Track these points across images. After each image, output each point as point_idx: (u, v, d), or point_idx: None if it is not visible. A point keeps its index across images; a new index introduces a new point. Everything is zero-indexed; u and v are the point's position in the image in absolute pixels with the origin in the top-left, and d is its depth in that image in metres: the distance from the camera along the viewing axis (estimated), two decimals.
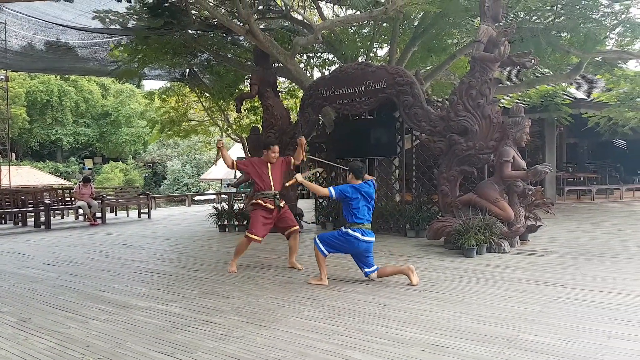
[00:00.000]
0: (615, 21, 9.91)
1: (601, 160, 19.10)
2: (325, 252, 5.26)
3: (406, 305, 4.35)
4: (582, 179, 17.02)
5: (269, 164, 6.28)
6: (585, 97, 14.54)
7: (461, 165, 7.65)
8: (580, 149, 20.38)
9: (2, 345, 3.57)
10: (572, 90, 15.02)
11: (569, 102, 13.93)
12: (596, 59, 11.34)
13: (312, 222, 10.66)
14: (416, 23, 11.65)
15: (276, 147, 6.33)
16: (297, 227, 6.31)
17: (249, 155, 11.38)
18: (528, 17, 9.87)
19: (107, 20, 10.28)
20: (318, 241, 5.29)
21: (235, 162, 6.23)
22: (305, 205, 12.78)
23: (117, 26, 10.77)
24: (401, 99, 8.43)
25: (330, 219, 10.13)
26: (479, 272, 5.70)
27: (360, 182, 5.27)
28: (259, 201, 6.10)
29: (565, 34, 10.52)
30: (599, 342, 3.35)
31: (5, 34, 11.44)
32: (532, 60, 7.34)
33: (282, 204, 6.20)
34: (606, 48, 10.88)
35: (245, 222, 10.23)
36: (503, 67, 8.06)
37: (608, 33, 10.29)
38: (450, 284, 5.10)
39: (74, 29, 11.40)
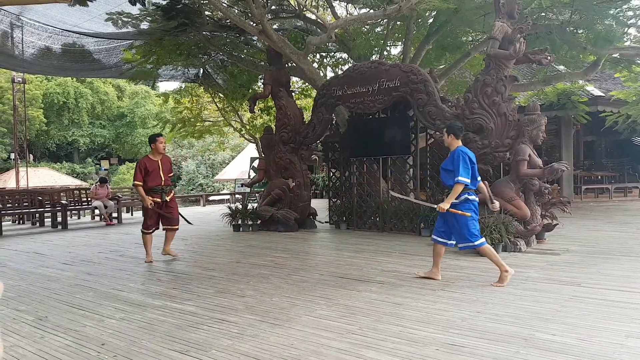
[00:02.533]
0: (633, 17, 9.73)
1: (619, 158, 18.78)
2: (477, 241, 4.91)
3: (421, 304, 4.32)
4: (599, 177, 16.76)
5: (159, 161, 6.72)
6: (603, 95, 14.29)
7: (477, 164, 7.57)
8: (598, 147, 20.06)
9: (19, 343, 3.62)
10: (590, 87, 14.79)
11: (586, 100, 13.72)
12: (613, 55, 11.15)
13: (326, 222, 10.65)
14: (430, 21, 11.57)
15: (162, 138, 6.75)
16: (177, 227, 7.13)
17: (262, 154, 11.40)
18: (544, 14, 9.74)
19: (120, 22, 10.36)
20: (467, 242, 4.95)
21: (137, 182, 6.63)
22: (319, 205, 12.76)
23: (130, 28, 10.86)
24: (415, 97, 8.37)
25: (344, 218, 10.10)
26: (495, 271, 5.63)
27: (460, 142, 5.16)
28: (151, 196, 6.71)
29: (582, 30, 10.36)
30: (617, 341, 3.29)
31: (22, 37, 11.59)
32: (548, 57, 7.24)
33: (168, 197, 6.79)
34: (624, 44, 10.70)
35: (259, 221, 10.27)
36: (518, 64, 7.96)
37: (626, 29, 10.11)
38: (466, 283, 5.06)
39: (90, 36, 11.50)
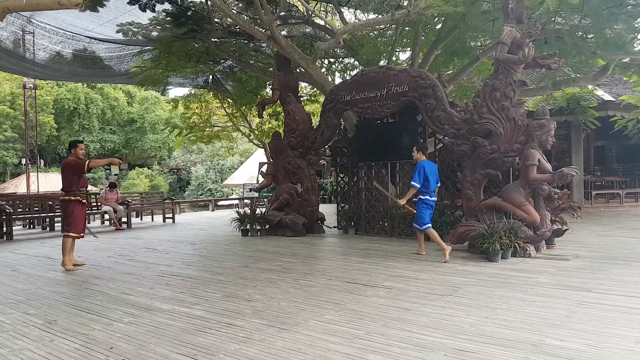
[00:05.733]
0: None
1: (630, 163, 18.61)
2: (423, 226, 6.98)
3: (429, 309, 4.30)
4: (610, 182, 16.61)
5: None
6: (614, 99, 14.18)
7: (485, 169, 7.54)
8: (609, 151, 19.88)
9: (29, 347, 3.65)
10: (600, 92, 14.68)
11: (595, 105, 13.61)
12: (623, 60, 11.06)
13: (334, 227, 10.64)
14: (439, 26, 11.55)
15: (82, 145, 7.07)
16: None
17: (271, 159, 11.43)
18: (553, 19, 9.69)
19: (130, 32, 10.49)
20: (417, 225, 7.08)
21: (89, 164, 6.96)
22: (327, 210, 12.76)
23: (140, 37, 10.97)
24: (424, 102, 8.36)
25: (352, 223, 10.09)
26: (504, 276, 5.61)
27: (424, 158, 7.08)
28: (79, 198, 6.94)
29: (592, 35, 10.29)
30: (627, 347, 3.25)
31: (33, 43, 11.73)
32: (557, 62, 7.20)
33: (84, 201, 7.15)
34: (634, 50, 10.60)
35: (267, 226, 10.28)
36: (527, 69, 7.92)
37: (636, 35, 10.02)
38: (475, 289, 5.03)
39: (101, 40, 11.63)
